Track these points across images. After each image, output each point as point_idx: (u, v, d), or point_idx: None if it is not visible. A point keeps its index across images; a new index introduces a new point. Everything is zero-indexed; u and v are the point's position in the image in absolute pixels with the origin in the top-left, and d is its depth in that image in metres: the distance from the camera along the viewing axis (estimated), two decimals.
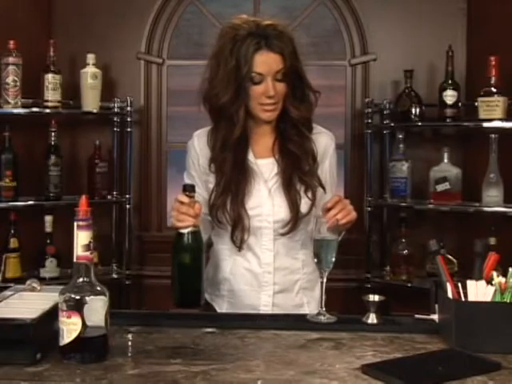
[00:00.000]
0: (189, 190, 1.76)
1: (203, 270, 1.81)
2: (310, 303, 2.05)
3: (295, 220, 1.96)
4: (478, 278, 1.65)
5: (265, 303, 2.02)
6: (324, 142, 2.05)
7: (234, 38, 1.90)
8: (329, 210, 1.82)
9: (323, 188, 2.00)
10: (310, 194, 1.97)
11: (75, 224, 1.46)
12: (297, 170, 1.97)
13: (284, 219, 1.96)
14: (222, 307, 2.07)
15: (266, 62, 1.89)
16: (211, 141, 2.00)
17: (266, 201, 1.97)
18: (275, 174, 1.99)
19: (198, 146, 2.03)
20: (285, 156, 1.99)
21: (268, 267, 2.01)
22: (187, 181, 2.03)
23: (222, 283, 2.05)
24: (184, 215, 1.72)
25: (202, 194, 1.98)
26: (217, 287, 2.07)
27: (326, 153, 2.05)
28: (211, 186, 1.99)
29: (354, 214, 1.86)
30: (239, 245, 1.98)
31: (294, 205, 1.95)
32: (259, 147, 2.01)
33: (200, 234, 1.77)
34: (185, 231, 1.73)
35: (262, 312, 2.00)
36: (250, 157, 1.99)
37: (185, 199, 1.74)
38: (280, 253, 2.01)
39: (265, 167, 2.00)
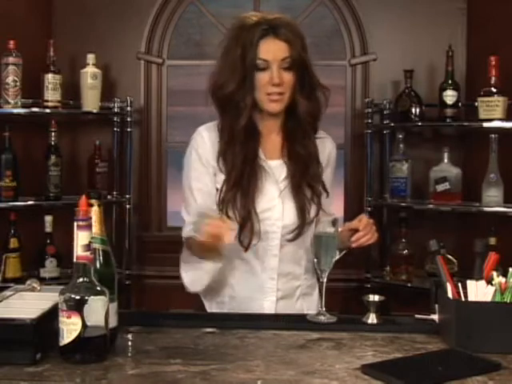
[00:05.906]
0: (93, 197, 1.61)
1: None
2: (309, 309, 2.00)
3: (303, 225, 1.93)
4: (478, 278, 1.65)
5: (268, 310, 1.97)
6: (329, 148, 2.03)
7: (240, 28, 1.90)
8: (356, 230, 1.85)
9: (327, 193, 1.99)
10: (316, 199, 1.95)
11: (75, 224, 1.46)
12: (305, 175, 1.94)
13: (292, 224, 1.93)
14: None
15: (271, 48, 1.86)
16: (220, 133, 1.93)
17: (276, 203, 1.93)
18: (285, 176, 1.95)
19: (209, 139, 1.94)
20: (293, 159, 1.95)
21: (272, 273, 1.97)
22: (190, 179, 1.94)
23: (223, 290, 2.00)
24: (225, 229, 1.66)
25: (208, 186, 1.92)
26: (217, 294, 2.01)
27: (330, 159, 2.04)
28: (218, 186, 1.92)
29: (376, 236, 1.89)
30: (247, 245, 1.90)
31: (302, 210, 1.92)
32: (269, 147, 1.96)
33: None
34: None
35: None
36: (261, 155, 1.94)
37: (216, 216, 1.73)
38: (284, 258, 1.97)
39: (275, 169, 1.95)
